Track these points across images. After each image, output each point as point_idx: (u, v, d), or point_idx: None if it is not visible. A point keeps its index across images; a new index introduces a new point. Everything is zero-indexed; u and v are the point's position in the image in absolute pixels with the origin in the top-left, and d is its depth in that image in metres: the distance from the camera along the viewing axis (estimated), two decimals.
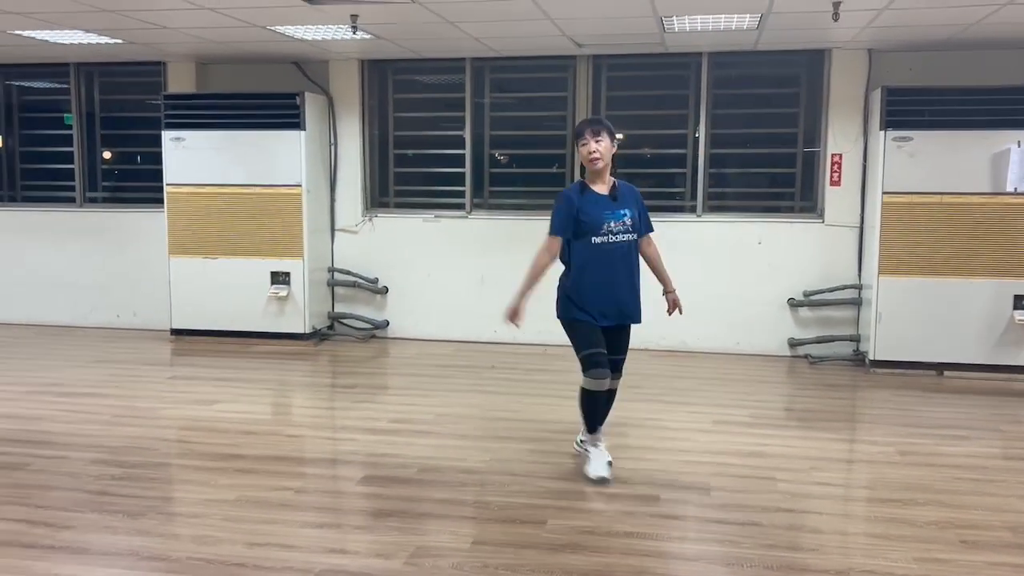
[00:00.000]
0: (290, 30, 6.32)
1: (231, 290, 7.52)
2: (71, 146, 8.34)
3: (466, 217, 7.79)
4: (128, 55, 7.64)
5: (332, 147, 7.86)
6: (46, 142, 8.54)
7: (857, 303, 7.15)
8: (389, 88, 7.98)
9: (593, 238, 4.11)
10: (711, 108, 7.37)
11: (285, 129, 7.35)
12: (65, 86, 8.32)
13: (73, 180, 8.36)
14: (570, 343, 4.31)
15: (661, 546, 3.50)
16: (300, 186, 7.40)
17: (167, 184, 7.61)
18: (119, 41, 6.89)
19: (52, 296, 8.40)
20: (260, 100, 7.41)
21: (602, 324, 4.19)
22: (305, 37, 6.57)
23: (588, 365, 4.15)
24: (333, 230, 7.94)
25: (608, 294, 4.16)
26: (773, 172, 7.62)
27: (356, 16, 5.73)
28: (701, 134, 7.39)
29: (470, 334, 7.77)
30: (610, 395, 4.34)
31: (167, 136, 7.54)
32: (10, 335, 7.93)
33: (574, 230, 4.14)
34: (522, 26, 6.08)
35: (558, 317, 4.35)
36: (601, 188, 4.17)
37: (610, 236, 4.12)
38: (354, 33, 5.86)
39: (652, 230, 4.41)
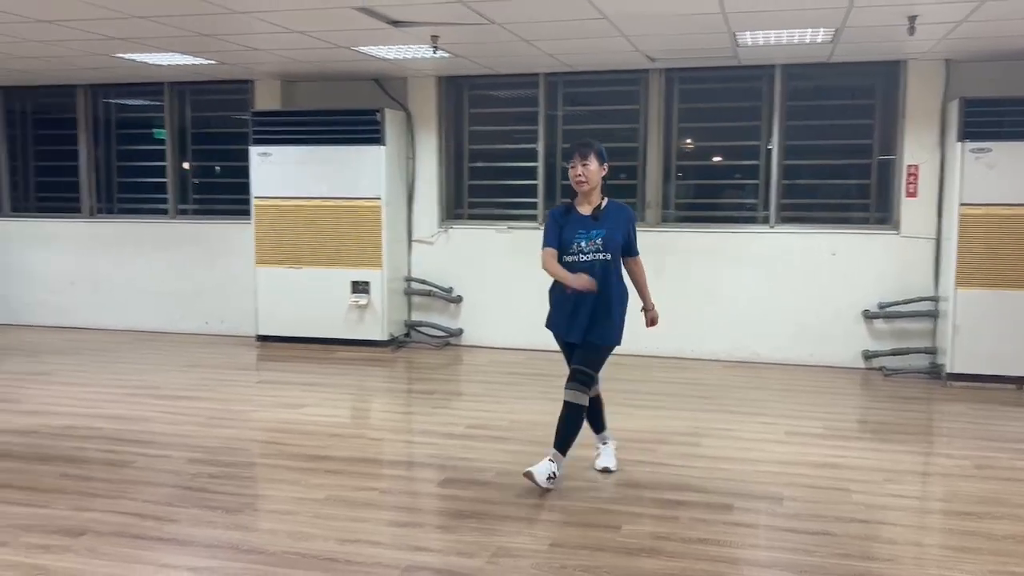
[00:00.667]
0: (372, 50, 6.59)
1: (314, 298, 7.83)
2: (164, 160, 8.78)
3: (538, 228, 7.95)
4: (218, 74, 8.03)
5: (410, 161, 8.12)
6: (140, 157, 9.01)
7: (934, 315, 7.09)
8: (465, 103, 8.21)
9: (564, 256, 4.23)
10: (784, 119, 7.40)
11: (366, 144, 7.63)
12: (159, 103, 8.77)
13: (166, 193, 8.80)
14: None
15: (733, 553, 3.59)
16: (380, 199, 7.67)
17: (254, 197, 7.96)
18: (211, 62, 7.26)
19: (146, 303, 8.84)
20: (342, 116, 7.70)
21: (568, 339, 4.36)
22: (387, 56, 6.83)
23: (567, 378, 4.38)
24: (410, 241, 8.20)
25: (570, 311, 4.26)
26: (847, 183, 7.60)
27: (437, 37, 5.96)
28: (774, 145, 7.42)
29: (541, 343, 7.83)
30: (568, 407, 4.38)
31: (254, 151, 7.89)
32: (111, 340, 8.38)
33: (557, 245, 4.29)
34: (596, 43, 6.23)
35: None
36: (585, 209, 4.29)
37: (579, 255, 4.21)
38: (434, 53, 6.09)
39: (637, 254, 4.47)
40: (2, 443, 5.06)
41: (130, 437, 5.18)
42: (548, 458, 4.31)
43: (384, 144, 7.63)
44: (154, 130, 8.85)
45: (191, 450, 4.94)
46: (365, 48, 6.51)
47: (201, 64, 7.38)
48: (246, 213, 8.12)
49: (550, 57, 6.92)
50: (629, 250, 4.40)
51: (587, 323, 4.26)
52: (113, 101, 9.09)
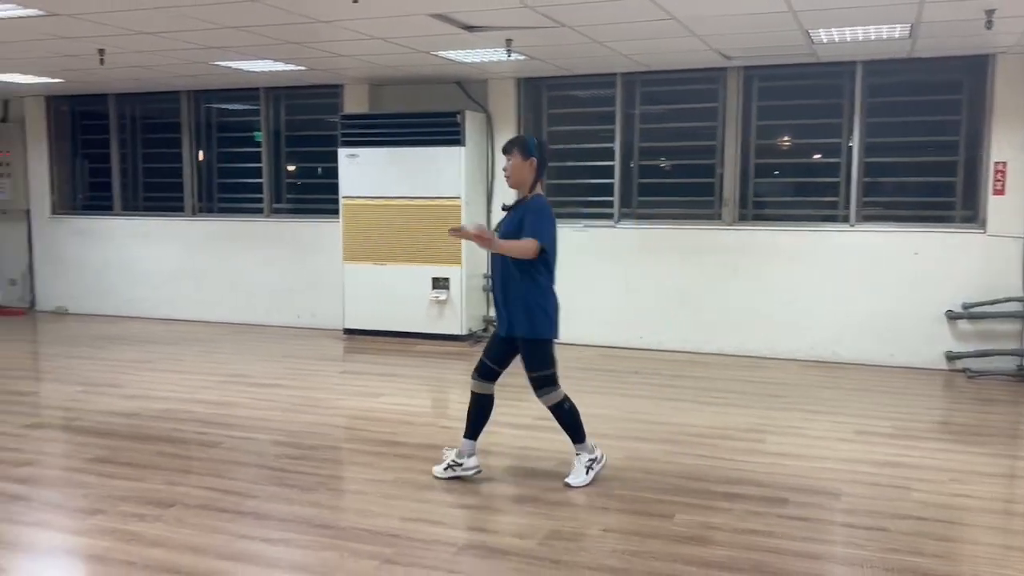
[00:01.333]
0: (451, 54, 6.82)
1: (396, 294, 8.14)
2: (260, 162, 9.25)
3: (614, 226, 8.06)
4: (310, 79, 8.43)
5: (489, 161, 8.34)
6: (238, 159, 9.51)
7: (1022, 316, 6.88)
8: (543, 104, 8.38)
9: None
10: (866, 116, 7.30)
11: (447, 145, 7.89)
12: (256, 108, 9.25)
13: (261, 193, 9.27)
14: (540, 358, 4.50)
15: (783, 544, 3.65)
16: (459, 198, 7.91)
17: (342, 196, 8.32)
18: (302, 68, 7.64)
19: (242, 298, 9.33)
20: (425, 119, 7.98)
21: (498, 333, 4.47)
22: (465, 60, 7.06)
23: (557, 380, 4.51)
24: None
25: (496, 303, 4.45)
26: (932, 181, 7.45)
27: (511, 40, 6.14)
28: (855, 143, 7.33)
29: (615, 340, 8.03)
30: (551, 411, 4.46)
31: (343, 153, 8.25)
32: (209, 332, 8.90)
33: None
34: (669, 42, 6.31)
35: (546, 336, 4.45)
36: (511, 201, 4.38)
37: None
38: (508, 56, 6.29)
39: (529, 238, 4.11)
40: (106, 423, 5.50)
41: (220, 420, 5.55)
42: (577, 456, 4.42)
43: (464, 145, 7.87)
44: (254, 133, 9.33)
45: (274, 433, 5.27)
46: (443, 52, 6.75)
47: (292, 70, 7.76)
48: (335, 212, 8.49)
49: (625, 57, 7.02)
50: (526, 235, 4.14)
51: (502, 316, 4.37)
52: (214, 106, 9.62)
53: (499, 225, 4.37)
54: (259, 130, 9.22)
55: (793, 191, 7.95)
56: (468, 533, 3.75)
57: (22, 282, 10.49)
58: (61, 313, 10.15)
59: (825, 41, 6.17)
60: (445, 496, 4.22)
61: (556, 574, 3.36)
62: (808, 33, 5.88)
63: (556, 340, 4.39)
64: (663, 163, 8.22)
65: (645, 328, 7.98)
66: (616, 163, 8.04)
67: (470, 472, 4.42)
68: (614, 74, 7.91)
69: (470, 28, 5.80)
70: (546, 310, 4.27)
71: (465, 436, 4.44)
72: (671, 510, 4.04)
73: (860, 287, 7.31)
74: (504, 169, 4.31)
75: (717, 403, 6.06)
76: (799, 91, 7.60)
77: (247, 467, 4.66)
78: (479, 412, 4.46)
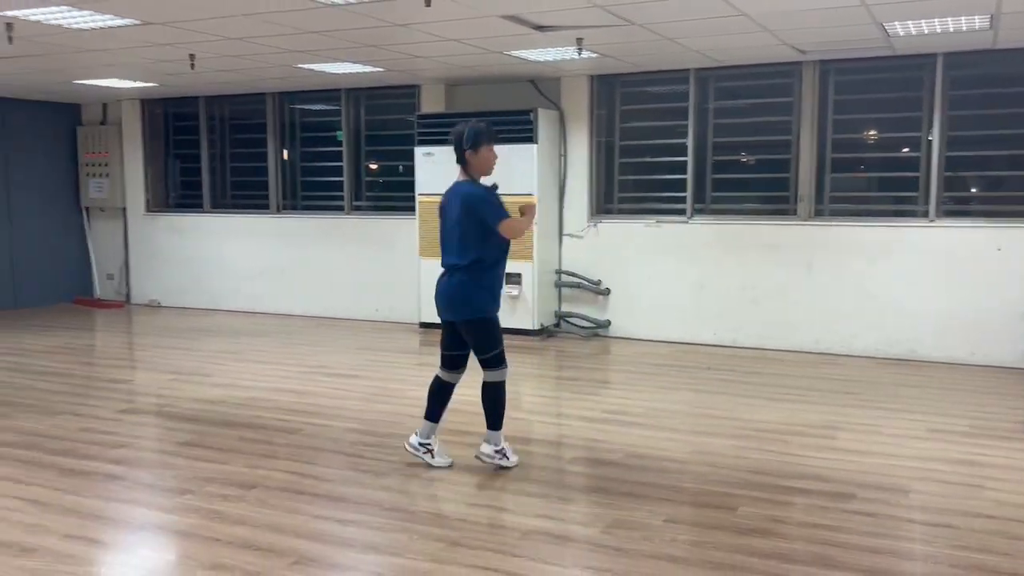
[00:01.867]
0: (524, 54, 6.94)
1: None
2: (340, 161, 9.54)
3: (687, 222, 8.06)
4: (388, 80, 8.66)
5: (562, 158, 8.44)
6: (320, 158, 9.83)
7: None
8: (616, 100, 8.43)
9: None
10: (946, 109, 7.13)
11: (520, 143, 8.01)
12: (337, 108, 9.54)
13: (342, 191, 9.56)
14: (486, 339, 4.59)
15: (846, 538, 3.66)
16: (532, 195, 8.02)
17: (418, 194, 8.53)
18: (380, 69, 7.86)
19: (324, 292, 9.64)
20: (498, 117, 8.07)
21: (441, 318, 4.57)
22: (537, 59, 7.17)
23: (503, 360, 4.62)
24: (561, 235, 8.52)
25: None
26: (1016, 175, 7.23)
27: (581, 39, 6.23)
28: (935, 137, 7.17)
29: (688, 336, 8.04)
30: (482, 389, 4.57)
31: (419, 151, 8.46)
32: (292, 325, 9.23)
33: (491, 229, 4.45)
34: (741, 38, 6.30)
35: (476, 316, 4.53)
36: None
37: None
38: (579, 54, 6.37)
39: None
40: (195, 410, 5.80)
41: (301, 409, 5.79)
42: (485, 441, 4.56)
43: (536, 142, 7.99)
44: (336, 133, 9.62)
45: (351, 422, 5.48)
46: (516, 52, 6.87)
47: (371, 71, 8.00)
48: (411, 209, 8.71)
49: (698, 53, 7.03)
50: None
51: (444, 301, 4.58)
52: (298, 107, 9.96)
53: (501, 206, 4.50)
54: (340, 130, 9.50)
55: (871, 186, 7.83)
56: (533, 520, 3.87)
57: (119, 276, 11.05)
58: (154, 306, 10.65)
59: (902, 34, 6.07)
60: (512, 484, 4.35)
61: (618, 561, 3.45)
62: (883, 26, 5.80)
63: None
64: (744, 157, 8.16)
65: (718, 324, 7.96)
66: (689, 159, 8.04)
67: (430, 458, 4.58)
68: (687, 70, 7.91)
69: (541, 28, 5.91)
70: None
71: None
72: (735, 503, 4.08)
73: (940, 283, 7.16)
74: (496, 157, 4.55)
75: (789, 400, 6.04)
76: (877, 84, 7.47)
77: (325, 453, 4.88)
78: (443, 398, 4.71)
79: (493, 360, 4.49)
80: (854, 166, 7.83)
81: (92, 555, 3.54)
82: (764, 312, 7.79)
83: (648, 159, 8.40)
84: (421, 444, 4.58)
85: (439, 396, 4.64)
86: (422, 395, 4.81)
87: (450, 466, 4.54)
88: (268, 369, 7.08)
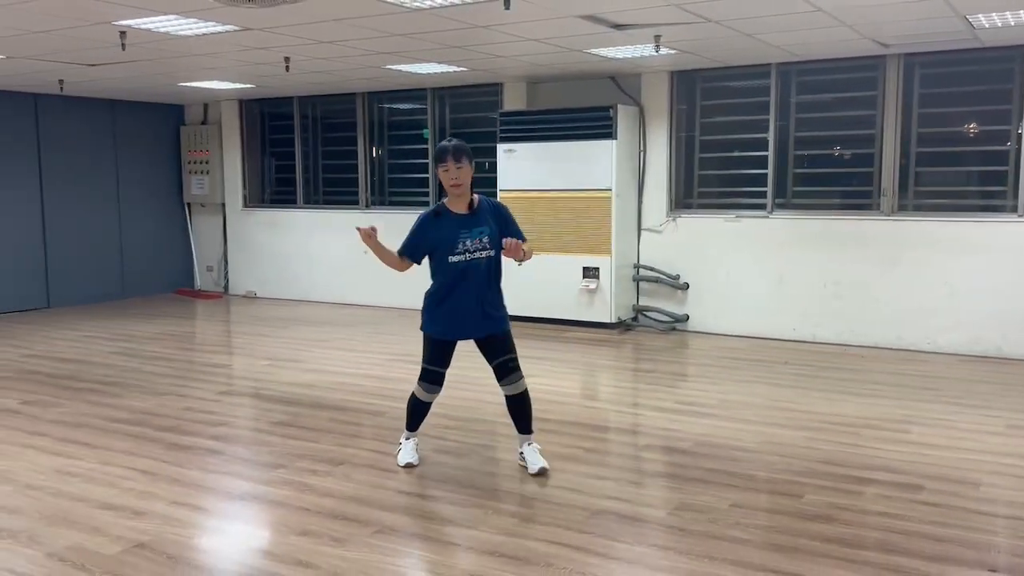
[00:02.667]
0: (603, 51, 7.09)
1: (549, 282, 8.50)
2: (426, 158, 9.85)
3: (767, 217, 8.07)
4: (472, 79, 8.92)
5: (641, 154, 8.55)
6: (407, 155, 10.16)
7: None
8: (697, 95, 8.48)
9: (449, 257, 4.18)
10: None
11: (598, 139, 8.16)
12: (423, 107, 9.86)
13: (427, 187, 9.87)
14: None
15: (910, 526, 3.72)
16: (610, 190, 8.17)
17: (500, 189, 8.76)
18: (463, 68, 8.12)
19: (409, 284, 9.92)
20: (578, 114, 8.29)
21: (454, 337, 4.34)
22: (617, 56, 7.31)
23: (423, 377, 4.41)
24: (640, 230, 8.63)
25: (461, 310, 4.24)
26: None
27: (659, 37, 6.34)
28: None
29: (767, 331, 8.05)
30: (519, 398, 4.44)
31: (501, 148, 8.69)
32: (379, 316, 9.61)
33: (427, 251, 4.26)
34: (820, 32, 6.31)
35: (421, 328, 4.42)
36: (460, 208, 4.22)
37: (466, 254, 4.18)
38: (657, 51, 6.48)
39: (524, 239, 4.31)
40: (288, 392, 6.17)
41: (386, 393, 6.09)
42: (527, 446, 4.47)
43: (615, 138, 8.12)
44: (423, 131, 9.93)
45: (433, 406, 5.72)
46: (595, 50, 7.02)
47: (455, 71, 8.27)
48: None
49: (777, 48, 7.05)
50: (517, 237, 4.29)
51: (486, 319, 4.31)
52: (386, 106, 10.32)
53: (458, 233, 4.19)
54: (427, 127, 9.81)
55: (956, 180, 7.70)
56: (602, 500, 4.04)
57: (218, 268, 11.64)
58: (250, 297, 11.19)
59: (987, 26, 5.99)
60: (583, 468, 4.53)
61: (681, 540, 3.60)
62: (967, 19, 5.74)
63: None
64: (837, 152, 8.08)
65: (798, 319, 7.95)
66: (770, 153, 8.04)
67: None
68: (769, 64, 7.92)
69: (619, 27, 6.05)
70: None
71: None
72: (801, 490, 4.17)
73: None
74: (452, 178, 4.15)
75: (866, 394, 6.04)
76: (964, 77, 7.35)
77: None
78: (526, 409, 4.51)
79: (421, 373, 4.43)
80: (939, 160, 7.71)
81: (196, 520, 3.87)
82: (845, 307, 7.75)
83: (729, 154, 8.43)
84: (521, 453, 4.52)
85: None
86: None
87: (407, 466, 4.46)
88: (355, 356, 7.42)
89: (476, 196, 4.30)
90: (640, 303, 8.68)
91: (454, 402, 5.83)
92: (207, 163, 11.35)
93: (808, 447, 4.85)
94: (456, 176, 4.16)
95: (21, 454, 4.78)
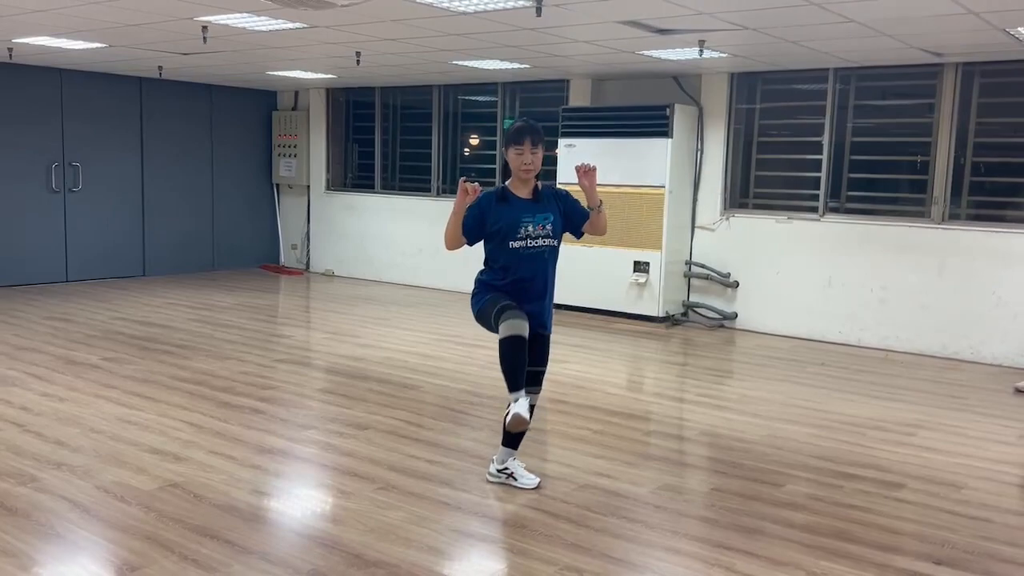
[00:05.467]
0: (654, 53, 7.32)
1: (600, 274, 8.79)
2: (494, 149, 10.25)
3: (819, 220, 8.14)
4: (538, 75, 9.26)
5: (698, 153, 8.72)
6: (478, 146, 10.58)
7: None
8: (757, 97, 8.60)
9: (510, 242, 3.95)
10: None
11: (655, 137, 8.39)
12: (495, 100, 10.25)
13: (494, 177, 10.27)
14: (485, 326, 4.09)
15: (875, 519, 3.90)
16: (663, 187, 8.39)
17: (558, 183, 9.06)
18: (526, 66, 8.47)
19: (471, 270, 10.37)
20: (635, 112, 8.53)
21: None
22: (670, 58, 7.52)
23: (500, 316, 3.88)
24: (693, 227, 8.81)
25: (525, 300, 3.99)
26: None
27: (703, 41, 6.55)
28: None
29: (814, 332, 8.14)
30: (531, 412, 4.02)
31: (562, 143, 9.01)
32: (442, 298, 10.08)
33: (486, 235, 4.01)
34: (861, 42, 6.39)
35: (473, 312, 4.15)
36: (524, 192, 4.01)
37: (528, 240, 3.96)
38: (700, 55, 6.69)
39: (588, 217, 4.09)
40: (337, 364, 6.68)
41: (426, 369, 6.53)
42: (504, 467, 4.20)
43: (671, 137, 8.33)
44: (506, 120, 10.27)
45: (466, 384, 6.15)
46: (645, 52, 7.26)
47: (520, 67, 8.62)
48: None
49: (826, 55, 7.14)
50: (583, 215, 4.12)
51: (540, 314, 4.07)
52: (461, 97, 10.76)
53: (521, 218, 3.96)
54: (509, 118, 10.11)
55: (1012, 191, 7.61)
56: (592, 476, 4.35)
57: (301, 247, 12.34)
58: (329, 275, 11.84)
59: None
60: (585, 447, 4.85)
61: (652, 515, 3.89)
62: (1007, 31, 5.75)
63: None
64: (920, 159, 7.92)
65: (844, 323, 8.02)
66: (823, 157, 8.11)
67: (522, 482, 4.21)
68: (827, 69, 7.98)
69: (662, 31, 6.29)
70: None
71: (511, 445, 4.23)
72: (784, 481, 4.39)
73: None
74: (526, 163, 3.93)
75: (888, 398, 6.13)
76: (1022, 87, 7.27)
77: (434, 407, 5.57)
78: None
79: (496, 318, 3.96)
80: (995, 170, 7.63)
81: (225, 467, 4.37)
82: (892, 313, 7.77)
83: (785, 156, 8.53)
84: (500, 471, 4.23)
85: None
86: None
87: (538, 486, 4.16)
88: (409, 335, 7.89)
89: (539, 183, 4.11)
90: (690, 299, 8.88)
91: (484, 381, 6.23)
92: (295, 147, 12.04)
93: (807, 443, 5.03)
94: (531, 161, 3.94)
95: (92, 403, 5.41)
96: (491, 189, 4.06)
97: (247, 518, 3.74)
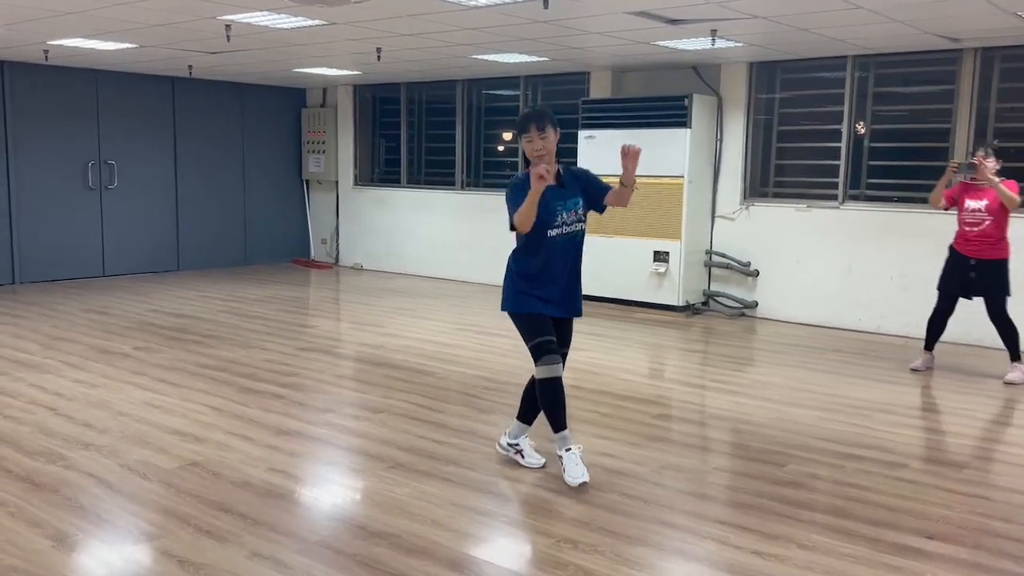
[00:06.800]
0: (670, 44, 7.39)
1: (620, 264, 8.87)
2: (516, 143, 10.37)
3: (838, 208, 8.15)
4: (559, 68, 9.35)
5: (718, 143, 8.76)
6: (500, 139, 10.70)
7: None
8: (776, 86, 8.61)
9: (548, 231, 3.92)
10: None
11: (673, 127, 8.44)
12: (517, 94, 10.36)
13: (517, 170, 10.39)
14: (519, 334, 4.16)
15: (872, 496, 3.96)
16: (683, 177, 8.44)
17: None
18: (546, 59, 8.57)
19: (497, 262, 10.51)
20: (655, 103, 8.59)
21: (552, 314, 4.04)
22: (686, 48, 7.58)
23: (540, 352, 3.99)
24: (713, 216, 8.85)
25: (559, 286, 4.02)
26: None
27: (715, 31, 6.60)
28: None
29: (834, 320, 8.15)
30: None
31: (582, 134, 9.09)
32: (464, 290, 10.23)
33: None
34: (877, 28, 6.40)
35: (503, 309, 4.15)
36: (548, 179, 3.77)
37: (564, 227, 3.95)
38: (712, 45, 6.74)
39: (607, 190, 4.05)
40: (358, 351, 6.87)
41: (443, 357, 6.67)
42: (516, 443, 4.32)
43: (690, 127, 8.38)
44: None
45: (482, 370, 6.28)
46: (660, 42, 7.32)
47: (539, 60, 8.72)
48: None
49: (841, 42, 7.14)
50: (603, 191, 4.08)
51: (573, 298, 4.11)
52: (485, 92, 10.89)
53: (555, 205, 3.94)
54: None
55: None
56: (596, 456, 4.45)
57: (330, 241, 12.57)
58: (357, 269, 12.05)
59: None
60: (592, 429, 4.95)
61: (650, 491, 3.99)
62: (1019, 15, 5.74)
63: None
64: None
65: (865, 311, 8.01)
66: (842, 144, 8.11)
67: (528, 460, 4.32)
68: (845, 56, 7.98)
69: (673, 22, 6.35)
70: None
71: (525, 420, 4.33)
72: (786, 460, 4.46)
73: None
74: (536, 149, 3.89)
75: (902, 383, 6.15)
76: None
77: (447, 391, 5.71)
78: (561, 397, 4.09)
79: (533, 353, 4.05)
80: (1017, 155, 7.57)
81: (243, 447, 4.55)
82: (912, 301, 7.75)
83: (804, 144, 8.53)
84: (510, 444, 4.36)
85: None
86: None
87: (543, 466, 4.26)
88: (430, 324, 8.05)
89: (558, 166, 4.03)
90: (711, 288, 8.92)
91: (500, 368, 6.35)
92: (323, 143, 12.26)
93: (814, 425, 5.09)
94: (540, 146, 3.88)
95: (121, 388, 5.63)
96: (517, 175, 3.99)
97: (260, 494, 3.90)
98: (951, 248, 6.33)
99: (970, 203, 6.15)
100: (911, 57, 7.70)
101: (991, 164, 5.98)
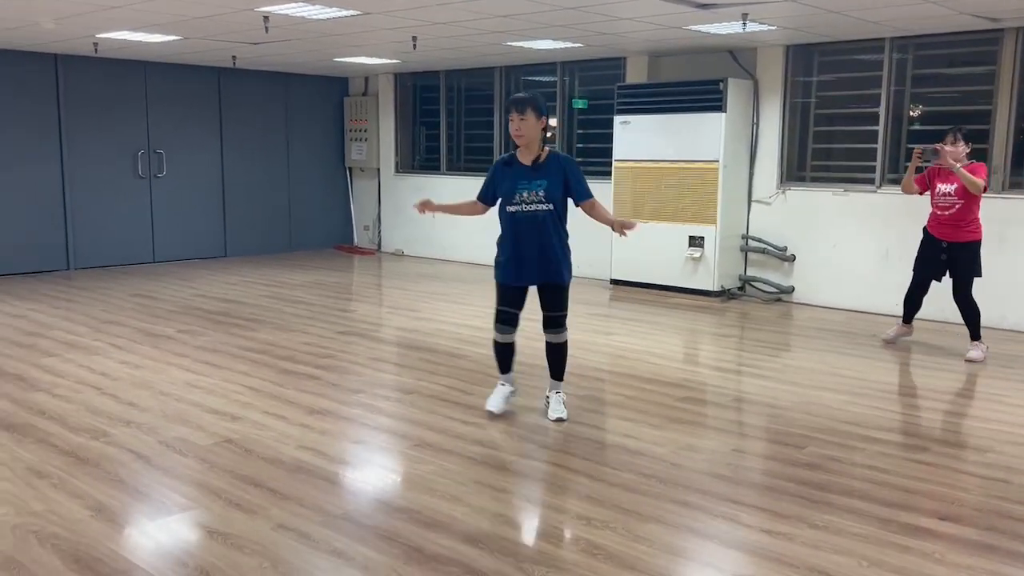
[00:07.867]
0: (703, 28, 7.38)
1: (656, 249, 8.89)
2: (558, 127, 10.41)
3: (875, 192, 8.07)
4: (596, 54, 9.38)
5: (754, 127, 8.72)
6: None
7: None
8: (814, 69, 8.54)
9: (507, 206, 4.54)
10: None
11: (709, 112, 8.43)
12: (553, 80, 10.41)
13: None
14: None
15: (889, 478, 3.99)
16: (717, 162, 8.43)
17: (615, 160, 9.21)
18: (580, 44, 8.61)
19: None
20: (690, 87, 8.58)
21: (516, 284, 4.69)
22: (719, 32, 7.56)
23: (496, 319, 4.78)
24: (750, 201, 8.82)
25: (519, 258, 4.60)
26: None
27: (747, 15, 6.59)
28: None
29: (870, 305, 8.09)
30: (557, 348, 4.81)
31: (617, 119, 9.12)
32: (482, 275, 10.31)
33: (496, 197, 4.65)
34: (912, 9, 6.33)
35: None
36: (526, 160, 4.51)
37: (523, 205, 4.49)
38: (744, 28, 6.72)
39: (590, 196, 4.60)
40: (392, 335, 7.04)
41: (475, 341, 6.79)
42: (554, 393, 4.86)
43: (725, 111, 8.36)
44: (574, 100, 10.41)
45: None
46: (693, 27, 7.32)
47: (573, 47, 8.76)
48: (607, 174, 9.40)
49: (876, 24, 7.06)
50: (579, 195, 4.59)
51: (542, 267, 4.62)
52: (523, 78, 10.95)
53: (517, 184, 4.52)
54: (577, 98, 10.20)
55: None
56: (617, 436, 4.55)
57: (373, 228, 12.78)
58: (399, 255, 12.24)
59: None
60: (616, 411, 5.04)
61: (669, 471, 4.06)
62: None
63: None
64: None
65: (901, 295, 7.89)
66: (880, 128, 8.03)
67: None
68: (883, 39, 7.88)
69: (703, 6, 6.36)
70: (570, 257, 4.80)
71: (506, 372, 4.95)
72: (806, 442, 4.49)
73: None
74: (515, 127, 4.43)
75: (932, 368, 6.11)
76: None
77: (478, 374, 5.82)
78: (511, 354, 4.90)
79: (494, 316, 4.85)
80: None
81: (276, 425, 4.72)
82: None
83: (842, 128, 8.46)
84: (546, 396, 4.98)
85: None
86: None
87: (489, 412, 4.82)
88: (464, 309, 8.18)
89: (547, 150, 4.54)
90: (747, 273, 8.90)
91: (529, 351, 6.37)
92: (366, 131, 12.45)
93: (840, 408, 5.10)
94: (518, 127, 4.42)
95: (164, 369, 5.86)
96: (503, 156, 4.66)
97: (290, 470, 4.07)
98: (925, 230, 6.39)
99: (941, 187, 6.22)
100: (951, 39, 7.58)
101: (956, 149, 5.99)
